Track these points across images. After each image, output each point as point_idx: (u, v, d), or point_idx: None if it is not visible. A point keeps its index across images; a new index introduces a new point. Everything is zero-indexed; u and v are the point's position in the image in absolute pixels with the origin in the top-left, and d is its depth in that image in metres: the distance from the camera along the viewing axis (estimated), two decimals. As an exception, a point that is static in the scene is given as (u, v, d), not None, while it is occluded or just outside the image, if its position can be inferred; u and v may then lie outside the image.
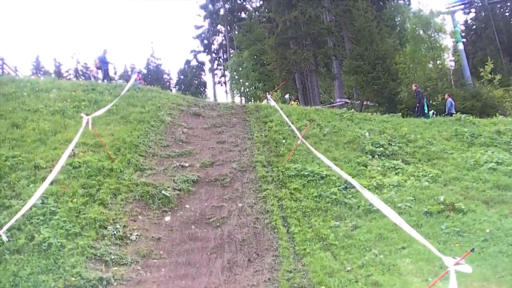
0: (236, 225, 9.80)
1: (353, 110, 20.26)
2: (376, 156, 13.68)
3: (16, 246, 8.10)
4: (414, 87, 23.64)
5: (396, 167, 12.85)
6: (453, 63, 36.70)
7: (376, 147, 14.15)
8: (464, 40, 41.18)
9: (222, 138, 14.95)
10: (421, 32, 33.31)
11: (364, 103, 30.69)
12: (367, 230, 9.32)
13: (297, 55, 33.91)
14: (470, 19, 47.54)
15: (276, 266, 8.02)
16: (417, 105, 22.51)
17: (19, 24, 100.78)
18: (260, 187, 11.34)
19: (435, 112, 22.87)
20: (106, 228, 9.20)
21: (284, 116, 15.24)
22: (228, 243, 9.17)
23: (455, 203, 10.15)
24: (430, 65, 32.97)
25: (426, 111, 22.15)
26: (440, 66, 33.69)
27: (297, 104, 25.38)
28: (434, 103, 26.29)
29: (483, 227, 9.16)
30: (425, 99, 23.01)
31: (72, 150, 11.50)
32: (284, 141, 14.29)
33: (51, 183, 10.13)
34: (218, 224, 9.93)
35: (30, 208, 9.09)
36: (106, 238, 8.94)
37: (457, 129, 16.29)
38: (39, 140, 12.59)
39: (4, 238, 7.80)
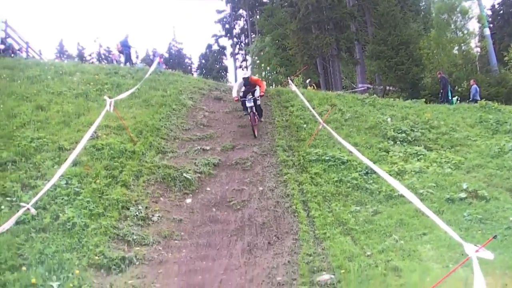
0: (256, 208, 9.84)
1: (375, 95, 19.98)
2: (398, 142, 13.57)
3: (42, 225, 8.28)
4: (438, 75, 23.31)
5: (418, 153, 12.74)
6: (478, 49, 35.97)
7: (398, 133, 14.02)
8: (491, 25, 40.25)
9: (243, 122, 14.96)
10: (446, 16, 32.65)
11: (387, 88, 30.34)
12: (387, 215, 9.28)
13: (319, 40, 33.58)
14: (497, 3, 46.38)
15: (296, 249, 8.05)
16: (441, 91, 22.20)
17: (43, 9, 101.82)
18: (280, 171, 11.35)
19: (459, 99, 22.52)
20: (128, 209, 9.35)
21: (305, 101, 15.18)
22: (249, 226, 9.23)
23: (478, 190, 10.03)
24: (455, 51, 32.35)
25: (449, 98, 21.84)
26: (465, 52, 33.06)
27: (313, 88, 25.14)
28: (459, 89, 25.88)
29: (506, 214, 9.04)
30: (449, 86, 22.69)
31: (95, 132, 11.68)
32: (305, 125, 14.25)
33: (75, 165, 10.34)
34: (238, 207, 10.00)
35: (55, 189, 9.29)
36: (128, 218, 9.09)
37: (482, 116, 16.03)
38: (63, 122, 12.78)
39: (33, 211, 7.99)
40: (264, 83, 15.06)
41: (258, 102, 14.28)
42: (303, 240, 8.31)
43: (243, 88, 14.65)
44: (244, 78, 14.68)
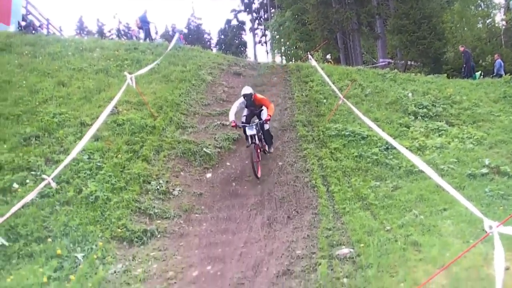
0: (276, 183, 9.91)
1: (396, 70, 19.69)
2: (419, 117, 13.43)
3: (66, 198, 8.49)
4: (461, 49, 22.84)
5: (439, 128, 12.59)
6: (504, 22, 35.05)
7: (419, 108, 13.87)
8: (517, -3, 39.08)
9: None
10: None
11: (408, 63, 29.89)
12: (407, 191, 9.23)
13: (340, 14, 33.09)
14: (525, -25, 44.92)
15: (315, 224, 8.09)
16: (464, 65, 21.77)
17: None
18: (300, 146, 11.35)
19: (482, 73, 22.08)
20: (149, 183, 9.50)
21: (325, 76, 15.04)
22: (268, 200, 9.31)
23: (500, 166, 9.88)
24: (480, 24, 31.57)
25: (473, 72, 21.43)
26: (489, 26, 32.26)
27: (330, 64, 24.80)
28: (483, 63, 25.38)
29: (529, 190, 8.92)
30: (472, 60, 22.25)
31: (116, 107, 11.79)
32: (325, 101, 14.16)
33: (97, 139, 10.51)
34: (258, 181, 10.06)
35: (77, 163, 9.48)
36: (149, 192, 9.25)
37: (506, 91, 15.70)
38: (84, 98, 12.94)
39: (53, 184, 8.15)
40: (272, 104, 11.13)
41: (267, 127, 10.84)
42: (322, 215, 8.34)
43: (245, 111, 11.09)
44: (245, 96, 10.80)
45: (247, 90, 10.87)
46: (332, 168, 10.17)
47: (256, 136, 10.36)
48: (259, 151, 10.56)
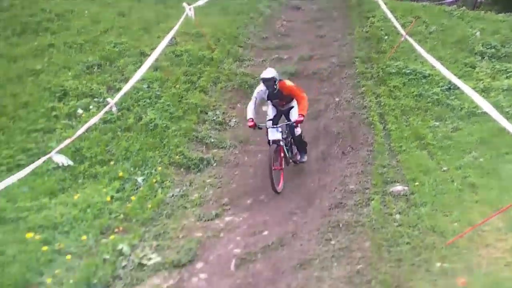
0: (332, 119, 9.84)
1: (464, 8, 18.55)
2: (486, 58, 12.70)
3: (127, 125, 8.86)
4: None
5: (507, 70, 11.88)
6: None
7: (487, 48, 13.09)
8: None
9: (321, 32, 14.52)
10: None
11: (478, 0, 28.08)
12: (468, 133, 8.95)
13: None
14: None
15: (370, 160, 8.03)
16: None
17: None
18: (358, 82, 11.08)
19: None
20: (206, 113, 9.71)
21: (388, 12, 14.36)
22: (324, 135, 9.30)
23: None
24: None
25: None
26: None
27: None
28: None
29: None
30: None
31: (175, 38, 11.88)
32: (386, 37, 13.59)
33: (156, 69, 10.72)
34: (314, 116, 9.99)
35: (137, 92, 9.77)
36: (206, 122, 9.48)
37: None
38: (144, 29, 13.11)
39: (114, 110, 8.46)
40: (305, 98, 7.75)
41: (298, 131, 8.00)
42: (377, 152, 8.25)
43: (270, 110, 8.24)
44: (265, 81, 7.58)
45: (269, 73, 7.56)
46: (390, 106, 9.93)
47: (282, 142, 7.67)
48: (282, 154, 7.79)
